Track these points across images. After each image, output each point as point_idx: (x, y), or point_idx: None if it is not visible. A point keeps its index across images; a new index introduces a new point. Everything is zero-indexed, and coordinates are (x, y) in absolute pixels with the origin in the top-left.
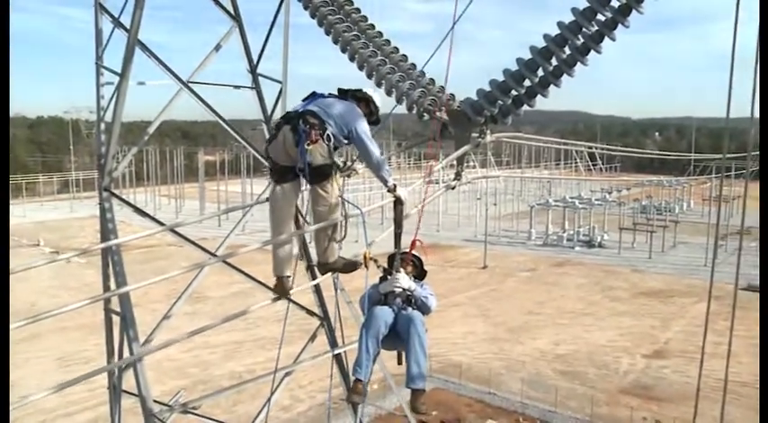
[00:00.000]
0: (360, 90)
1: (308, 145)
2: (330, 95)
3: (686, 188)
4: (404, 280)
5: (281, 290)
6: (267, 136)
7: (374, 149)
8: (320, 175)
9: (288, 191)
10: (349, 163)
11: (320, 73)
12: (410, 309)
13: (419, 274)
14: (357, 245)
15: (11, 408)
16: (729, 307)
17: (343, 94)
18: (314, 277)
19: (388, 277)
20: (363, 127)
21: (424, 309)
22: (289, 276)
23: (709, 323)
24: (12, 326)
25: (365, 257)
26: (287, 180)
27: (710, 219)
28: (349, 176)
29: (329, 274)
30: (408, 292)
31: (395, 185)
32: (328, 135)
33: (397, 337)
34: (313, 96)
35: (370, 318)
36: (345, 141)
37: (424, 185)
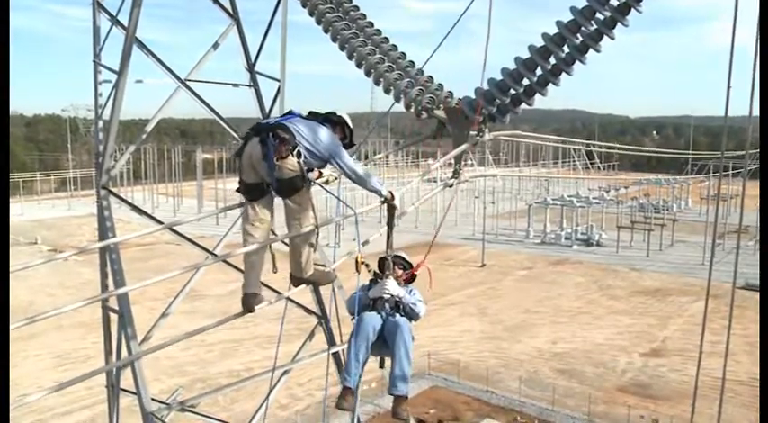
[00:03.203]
0: (334, 113)
1: (278, 160)
2: (307, 117)
3: (684, 187)
4: (393, 286)
5: (246, 306)
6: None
7: (359, 173)
8: (290, 188)
9: (260, 211)
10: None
11: (318, 71)
12: (398, 315)
13: (408, 278)
14: (354, 243)
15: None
16: (727, 305)
17: (316, 116)
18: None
19: (378, 281)
20: (346, 159)
21: (413, 315)
22: (256, 294)
23: (707, 322)
24: (11, 326)
25: (357, 261)
26: (257, 197)
27: (708, 217)
28: (327, 183)
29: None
30: (397, 299)
31: (391, 194)
32: (299, 152)
33: (384, 343)
34: (290, 114)
35: (359, 324)
36: (317, 163)
37: (420, 185)
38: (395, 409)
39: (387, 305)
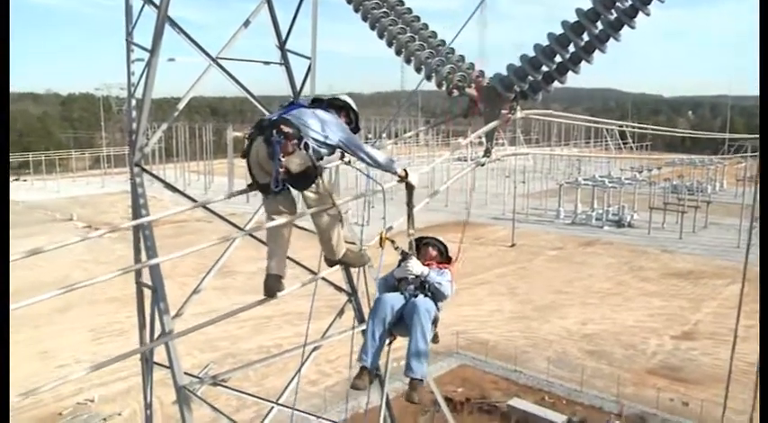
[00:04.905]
0: (337, 98)
1: (284, 157)
2: (311, 105)
3: (719, 168)
4: (416, 266)
5: (268, 289)
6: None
7: (370, 154)
8: (304, 180)
9: (282, 204)
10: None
11: (348, 49)
12: (421, 296)
13: (444, 260)
14: (384, 221)
15: (51, 382)
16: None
17: (320, 103)
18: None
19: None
20: (358, 143)
21: (439, 295)
22: (280, 276)
23: (742, 305)
24: (47, 295)
25: (381, 238)
26: (275, 193)
27: (744, 199)
28: (348, 163)
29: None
30: (422, 278)
31: (405, 171)
32: (306, 143)
33: (406, 324)
34: (292, 105)
35: (376, 304)
36: (326, 151)
37: (451, 164)
38: (408, 392)
39: (411, 286)
